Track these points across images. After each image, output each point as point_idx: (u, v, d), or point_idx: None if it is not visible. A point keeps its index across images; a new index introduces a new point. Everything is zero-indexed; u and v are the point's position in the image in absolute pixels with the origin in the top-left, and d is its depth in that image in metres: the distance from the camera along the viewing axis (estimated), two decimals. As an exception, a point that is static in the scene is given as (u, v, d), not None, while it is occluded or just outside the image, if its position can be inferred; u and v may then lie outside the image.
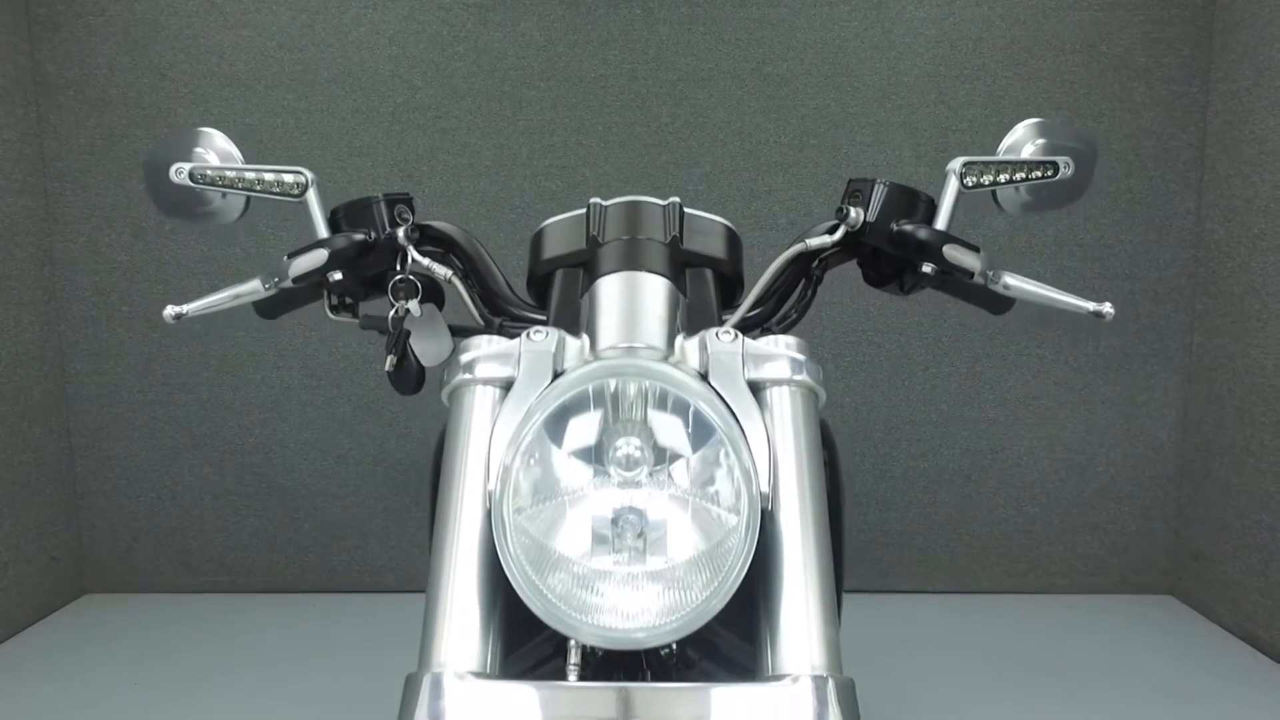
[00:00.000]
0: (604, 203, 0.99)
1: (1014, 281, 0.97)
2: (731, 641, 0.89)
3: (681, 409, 0.71)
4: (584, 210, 1.00)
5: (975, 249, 0.96)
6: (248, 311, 1.10)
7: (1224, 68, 2.47)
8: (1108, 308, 0.97)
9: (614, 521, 0.70)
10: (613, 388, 0.71)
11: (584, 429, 0.71)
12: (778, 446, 0.76)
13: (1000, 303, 1.05)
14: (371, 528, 2.72)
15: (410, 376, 0.95)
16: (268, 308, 1.07)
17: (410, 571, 2.73)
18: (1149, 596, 2.73)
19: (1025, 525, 2.71)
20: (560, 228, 1.03)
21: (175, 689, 2.17)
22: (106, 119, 2.56)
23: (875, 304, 2.60)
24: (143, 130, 2.55)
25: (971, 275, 0.96)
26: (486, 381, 0.79)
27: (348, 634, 2.47)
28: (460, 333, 0.99)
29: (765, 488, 0.73)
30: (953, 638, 2.45)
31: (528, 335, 0.80)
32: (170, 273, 2.61)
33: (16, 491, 2.50)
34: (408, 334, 0.93)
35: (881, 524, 2.69)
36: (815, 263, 1.02)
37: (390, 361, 0.92)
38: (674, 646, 0.88)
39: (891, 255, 0.99)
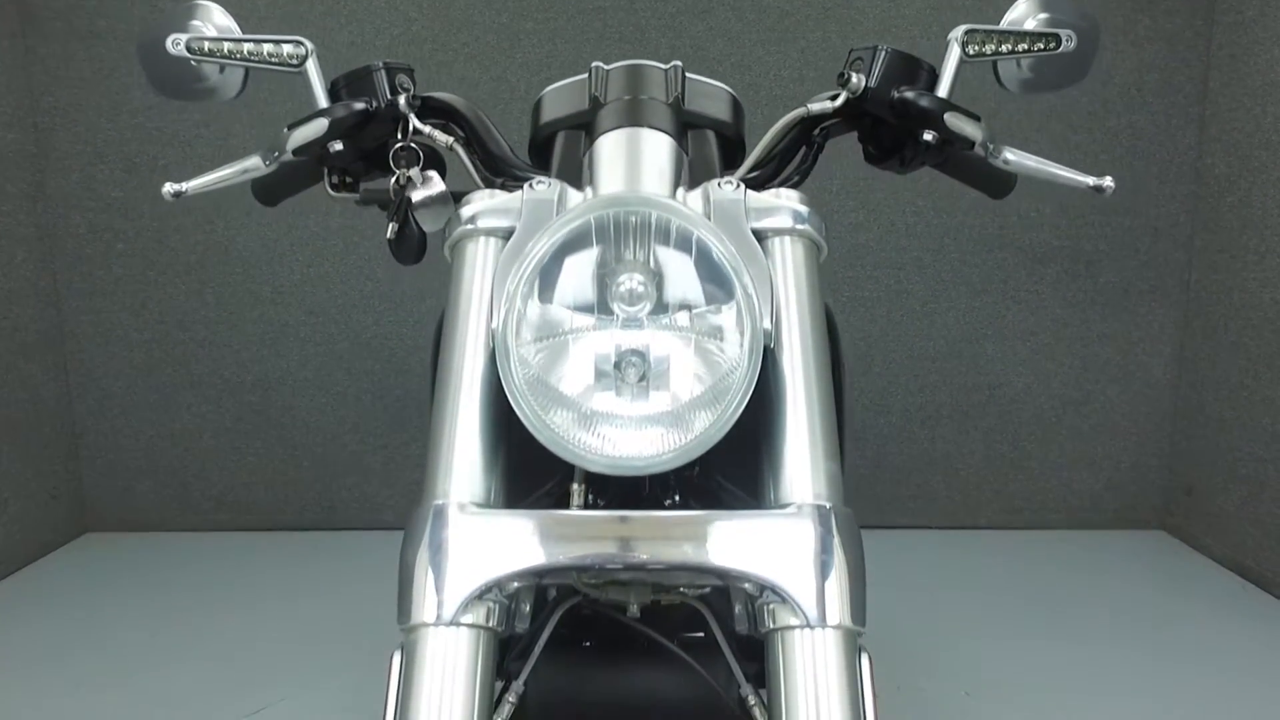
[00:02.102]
0: (605, 66, 0.98)
1: (1014, 156, 0.96)
2: (736, 484, 0.89)
3: (685, 242, 0.70)
4: (585, 75, 0.99)
5: (976, 118, 0.95)
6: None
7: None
8: (1108, 181, 0.96)
9: (617, 365, 0.70)
10: (615, 218, 0.70)
11: (586, 264, 0.71)
12: (779, 292, 0.76)
13: (1000, 183, 1.04)
14: (371, 465, 2.73)
15: (412, 245, 0.94)
16: (267, 191, 1.06)
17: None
18: (1141, 531, 2.76)
19: (1021, 461, 2.73)
20: (561, 92, 1.02)
21: (176, 625, 2.19)
22: (96, 51, 2.51)
23: (874, 239, 2.59)
24: (133, 63, 2.51)
25: (972, 145, 0.95)
26: (488, 232, 0.79)
27: (348, 571, 2.49)
28: (463, 199, 0.99)
29: (768, 325, 0.73)
30: (949, 573, 2.48)
31: (529, 185, 0.79)
32: (166, 209, 2.58)
33: (15, 429, 2.50)
34: (409, 201, 0.92)
35: (879, 459, 2.71)
36: (816, 130, 1.01)
37: (392, 229, 0.92)
38: (676, 487, 0.89)
39: (892, 127, 0.99)
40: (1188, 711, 1.81)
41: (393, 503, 2.75)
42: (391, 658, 0.70)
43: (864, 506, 2.69)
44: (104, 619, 2.21)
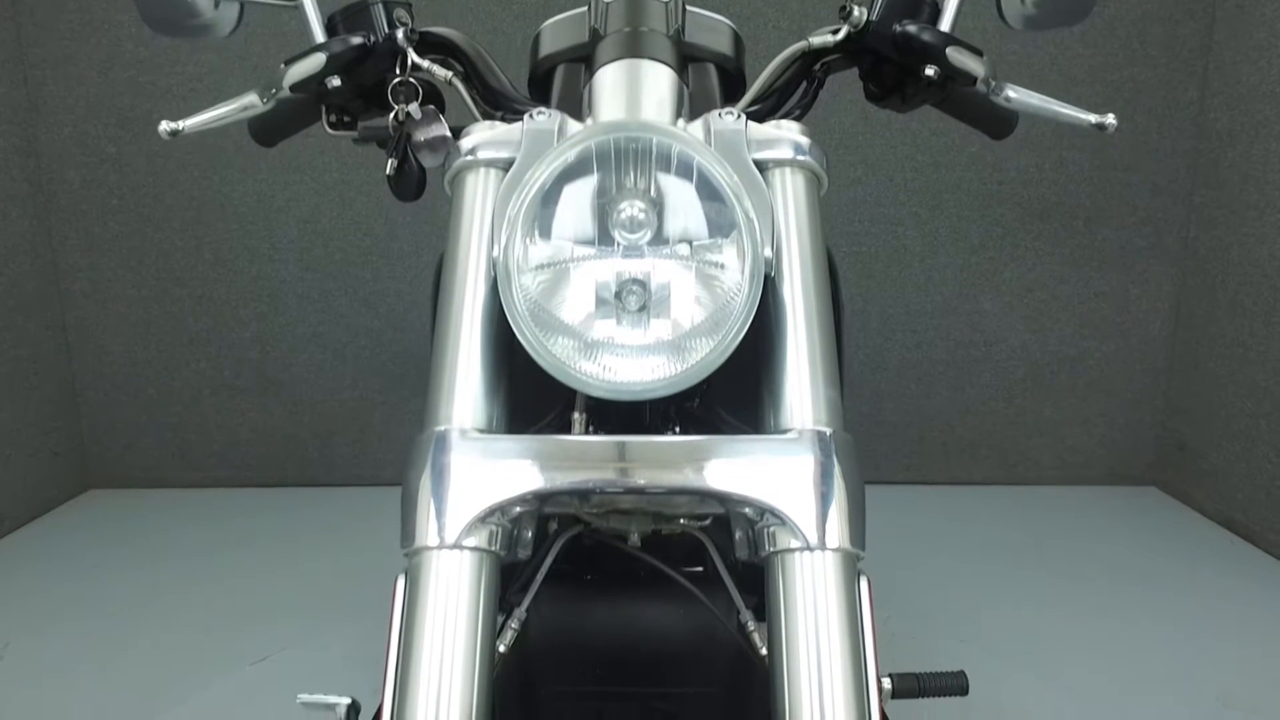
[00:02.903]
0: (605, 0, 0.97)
1: (1015, 94, 0.95)
2: (736, 416, 0.90)
3: (686, 169, 0.70)
4: (584, 8, 0.98)
5: (979, 53, 0.94)
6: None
7: (1234, -50, 2.41)
8: (1110, 119, 0.95)
9: (617, 294, 0.70)
10: (616, 144, 0.70)
11: (587, 191, 0.71)
12: (780, 222, 0.76)
13: (1001, 122, 1.03)
14: (370, 421, 2.75)
15: (411, 181, 0.94)
16: (265, 130, 1.05)
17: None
18: (1134, 487, 2.79)
19: (1015, 417, 2.75)
20: (560, 25, 1.01)
21: (180, 579, 2.21)
22: (87, 1, 2.48)
23: (871, 194, 2.58)
24: (126, 15, 2.48)
25: (974, 82, 0.94)
26: (489, 164, 0.78)
27: (348, 526, 2.51)
28: (462, 132, 0.98)
29: (769, 253, 0.73)
30: (943, 528, 2.51)
31: (529, 116, 0.79)
32: (160, 165, 2.57)
33: (14, 386, 2.50)
34: (409, 137, 0.91)
35: (875, 415, 2.72)
36: (817, 65, 1.00)
37: (391, 165, 0.91)
38: (676, 419, 0.89)
39: (894, 63, 0.98)
40: (1175, 664, 1.84)
41: (392, 459, 2.76)
42: (396, 582, 0.71)
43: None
44: (109, 573, 2.23)
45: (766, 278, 0.73)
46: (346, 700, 0.81)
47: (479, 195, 0.77)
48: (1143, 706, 1.67)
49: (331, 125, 1.00)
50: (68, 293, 2.65)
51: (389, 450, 2.76)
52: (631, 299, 0.70)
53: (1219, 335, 2.49)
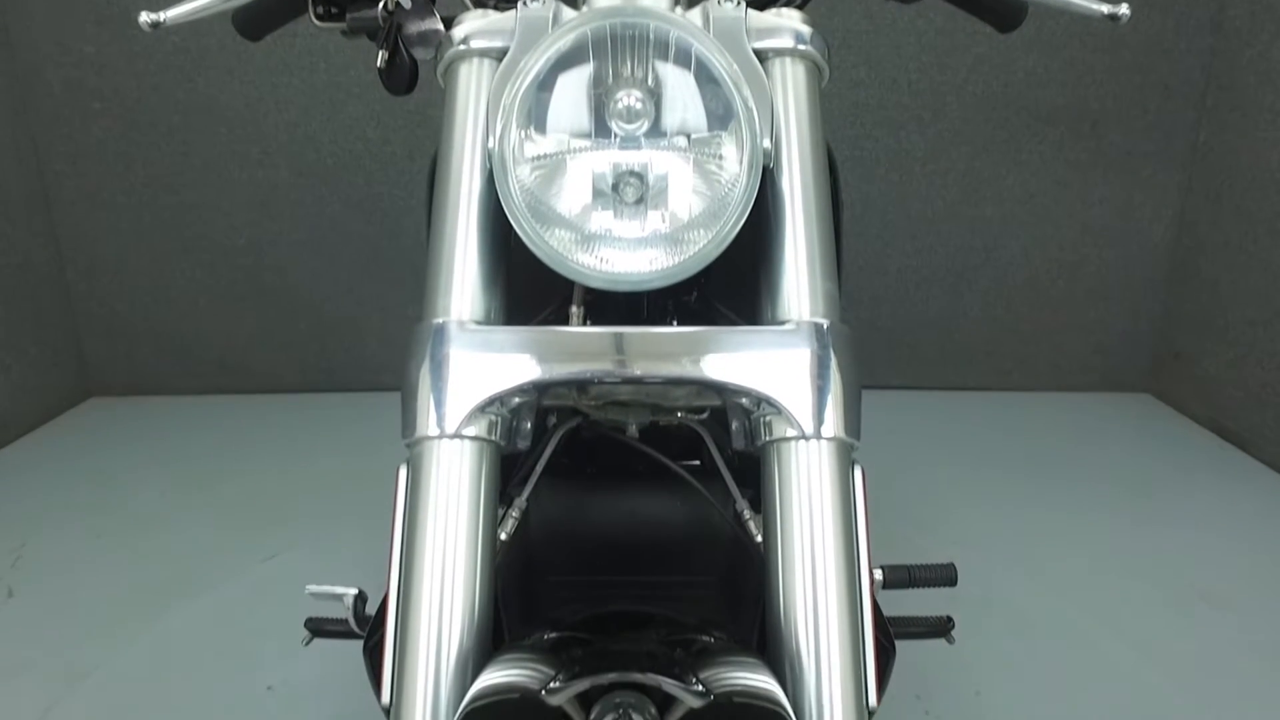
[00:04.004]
0: None
1: None
2: (734, 310, 0.90)
3: (684, 57, 0.69)
4: None
5: None
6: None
7: None
8: (1124, 9, 0.93)
9: (614, 186, 0.70)
10: (612, 30, 0.68)
11: (583, 81, 0.69)
12: (779, 112, 0.75)
13: (1010, 12, 1.00)
14: (368, 327, 2.75)
15: (403, 74, 0.91)
16: (250, 23, 1.01)
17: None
18: (1128, 395, 2.81)
19: (1013, 324, 2.75)
20: None
21: (185, 485, 2.24)
22: (58, -110, 2.37)
23: (874, 96, 2.52)
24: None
25: None
26: (482, 53, 0.76)
27: (349, 431, 2.54)
28: (454, 21, 0.95)
29: (767, 144, 0.72)
30: (938, 433, 2.54)
31: (523, 3, 0.77)
32: (142, 66, 2.50)
33: (7, 294, 2.49)
34: (399, 28, 0.89)
35: (872, 320, 2.73)
36: None
37: (381, 58, 0.89)
38: (674, 313, 0.89)
39: None
40: (1159, 562, 1.89)
41: (390, 364, 2.77)
42: (398, 472, 0.72)
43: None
44: (114, 480, 2.27)
45: (765, 169, 0.72)
46: (353, 590, 0.83)
47: (472, 86, 0.76)
48: (1124, 601, 1.72)
49: (319, 17, 0.96)
50: (55, 200, 2.62)
51: (388, 355, 2.77)
52: (629, 191, 0.70)
53: (1221, 242, 2.48)
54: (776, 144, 0.74)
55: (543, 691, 0.51)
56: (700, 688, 0.51)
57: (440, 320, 0.71)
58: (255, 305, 2.73)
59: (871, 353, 2.76)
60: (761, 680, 0.58)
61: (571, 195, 0.70)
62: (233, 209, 2.62)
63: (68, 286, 2.70)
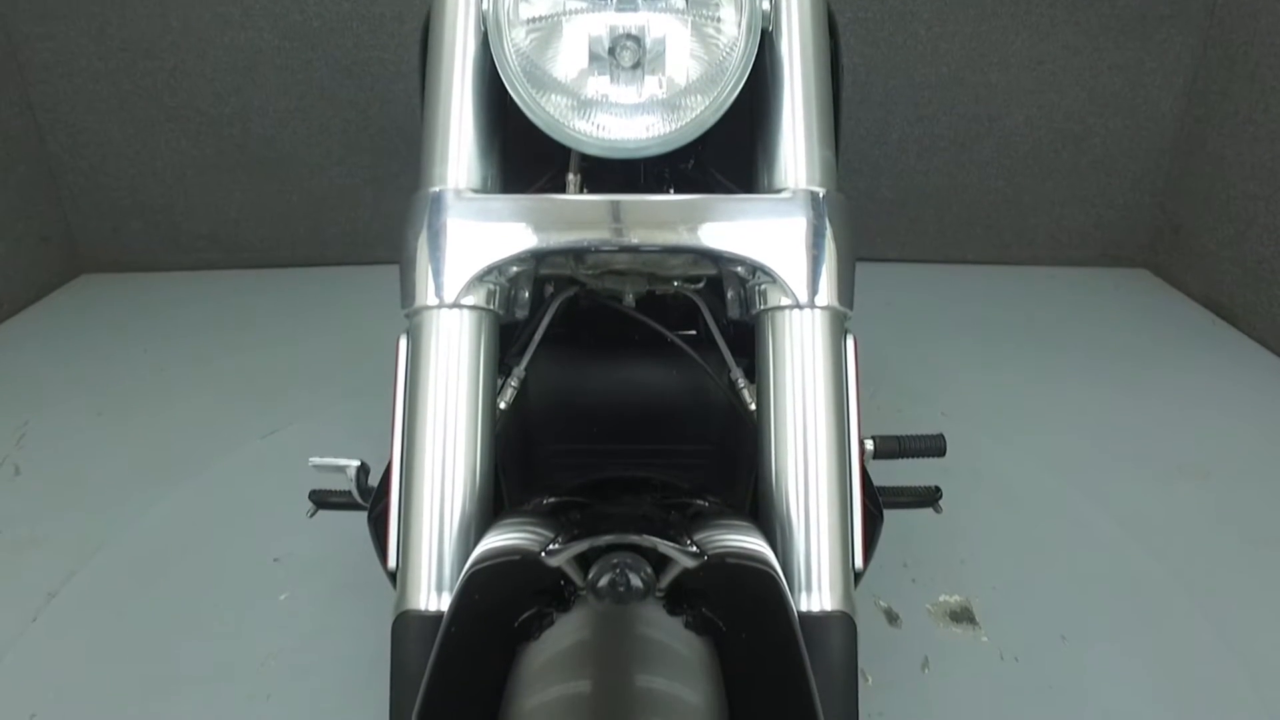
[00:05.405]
0: None
1: None
2: (730, 178, 0.89)
3: None
4: None
5: None
6: None
7: None
8: None
9: (611, 50, 0.68)
10: None
11: None
12: None
13: None
14: (361, 198, 2.70)
15: None
16: None
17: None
18: (1125, 269, 2.81)
19: (1014, 196, 2.72)
20: None
21: (182, 361, 2.25)
22: None
23: (884, -45, 2.41)
24: None
25: None
26: None
27: (345, 305, 2.53)
28: None
29: (767, 5, 0.70)
30: (934, 306, 2.54)
31: None
32: (109, -82, 2.36)
33: (-10, 164, 2.43)
34: None
35: (872, 191, 2.69)
36: None
37: None
38: (671, 180, 0.89)
39: None
40: (1142, 434, 1.93)
41: (385, 236, 2.74)
42: (398, 342, 0.72)
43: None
44: (111, 357, 2.27)
45: (764, 32, 0.70)
46: (355, 462, 0.85)
47: None
48: (1105, 470, 1.77)
49: None
50: (27, 65, 2.52)
51: (383, 227, 2.74)
52: (625, 55, 0.68)
53: (1231, 112, 2.42)
54: (775, 6, 0.72)
55: (543, 554, 0.53)
56: (694, 549, 0.54)
57: (437, 189, 0.70)
58: (244, 177, 2.67)
59: (868, 224, 2.73)
60: (753, 543, 0.60)
61: (567, 59, 0.68)
62: (215, 74, 2.53)
63: (49, 159, 2.64)
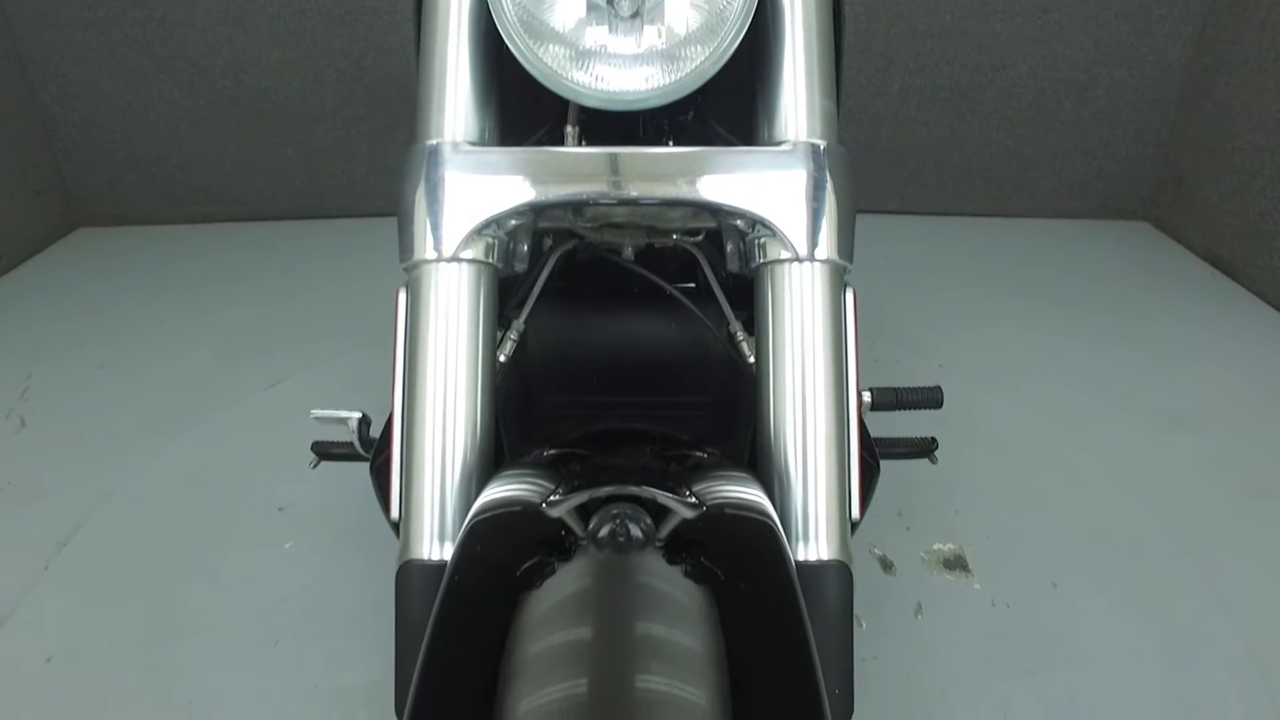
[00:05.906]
0: None
1: None
2: (730, 130, 0.89)
3: None
4: None
5: None
6: None
7: None
8: None
9: (609, 0, 0.67)
10: None
11: None
12: None
13: None
14: (356, 150, 2.68)
15: None
16: None
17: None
18: (1126, 222, 2.79)
19: (1015, 148, 2.69)
20: None
21: (181, 314, 2.25)
22: None
23: (888, -101, 2.35)
24: None
25: None
26: None
27: (343, 258, 2.52)
28: None
29: None
30: (933, 258, 2.54)
31: None
32: None
33: (-19, 116, 2.40)
34: None
35: (871, 142, 2.66)
36: None
37: None
38: (670, 132, 0.88)
39: None
40: (1138, 386, 1.94)
41: (382, 188, 2.72)
42: (397, 296, 0.72)
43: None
44: (111, 310, 2.27)
45: None
46: (357, 414, 0.86)
47: None
48: (1101, 422, 1.78)
49: None
50: (13, 18, 2.47)
51: (380, 179, 2.72)
52: (624, 4, 0.67)
53: (1240, 61, 2.38)
54: None
55: (543, 504, 0.54)
56: (693, 500, 0.54)
57: (434, 142, 0.70)
58: (239, 129, 2.64)
59: (868, 176, 2.71)
60: (751, 493, 0.61)
61: (565, 9, 0.67)
62: (206, 25, 2.49)
63: (40, 111, 2.60)
